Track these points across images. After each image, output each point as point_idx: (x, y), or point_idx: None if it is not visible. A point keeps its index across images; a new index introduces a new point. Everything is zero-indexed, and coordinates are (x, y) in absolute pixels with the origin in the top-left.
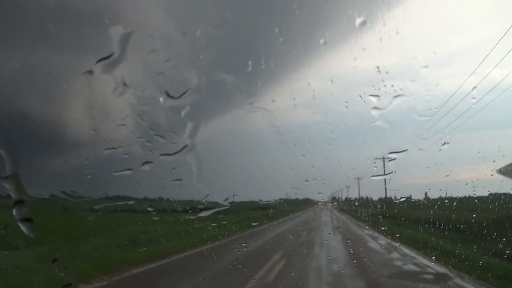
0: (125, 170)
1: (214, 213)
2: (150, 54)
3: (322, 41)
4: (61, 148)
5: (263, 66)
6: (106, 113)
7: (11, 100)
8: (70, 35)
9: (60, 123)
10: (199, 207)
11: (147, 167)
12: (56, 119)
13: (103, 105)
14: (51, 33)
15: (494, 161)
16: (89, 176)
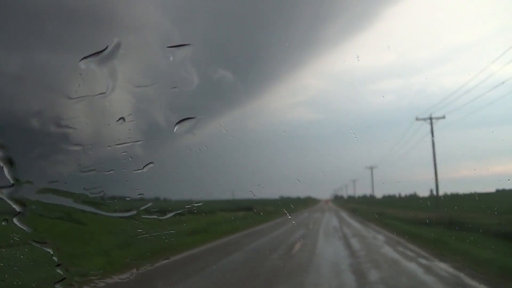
0: (136, 170)
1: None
2: (148, 52)
3: (322, 39)
4: (59, 148)
5: (263, 65)
6: (105, 112)
7: (9, 101)
8: (68, 34)
9: (58, 123)
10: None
11: (146, 168)
12: (54, 118)
13: (101, 104)
14: (49, 32)
15: None
16: (87, 174)
